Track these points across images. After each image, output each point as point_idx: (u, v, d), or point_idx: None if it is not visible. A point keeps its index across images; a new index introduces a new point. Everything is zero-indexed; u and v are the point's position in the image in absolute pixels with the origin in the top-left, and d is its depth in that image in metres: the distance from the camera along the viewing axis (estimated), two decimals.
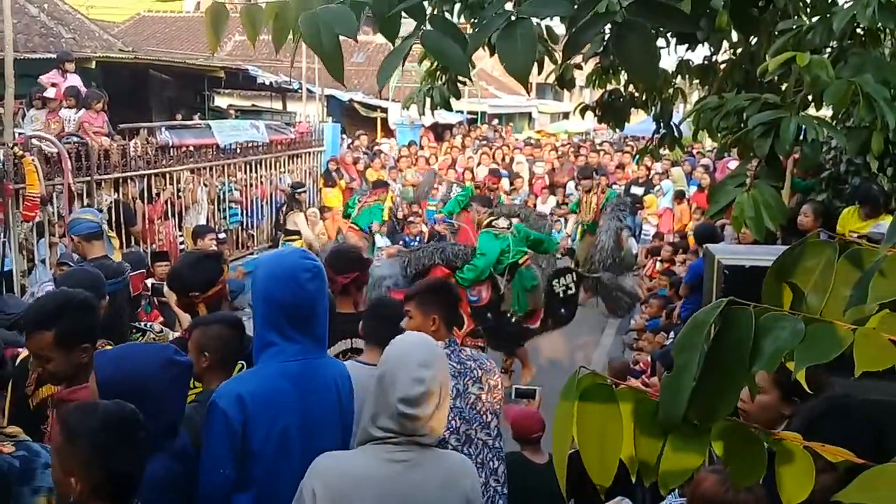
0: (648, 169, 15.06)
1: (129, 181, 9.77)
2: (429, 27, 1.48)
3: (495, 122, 23.81)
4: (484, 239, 7.82)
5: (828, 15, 3.08)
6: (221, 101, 20.22)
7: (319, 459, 2.26)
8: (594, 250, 9.25)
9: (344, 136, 19.13)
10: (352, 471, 2.22)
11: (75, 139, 9.54)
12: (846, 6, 2.98)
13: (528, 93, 13.42)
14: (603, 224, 9.43)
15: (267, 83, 18.37)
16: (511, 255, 7.69)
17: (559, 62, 4.72)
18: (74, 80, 10.96)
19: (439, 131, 21.28)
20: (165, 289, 4.29)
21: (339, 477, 2.21)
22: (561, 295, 8.16)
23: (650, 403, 0.85)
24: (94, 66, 13.85)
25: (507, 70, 1.44)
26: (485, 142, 19.67)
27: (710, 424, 0.81)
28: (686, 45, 4.51)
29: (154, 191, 10.25)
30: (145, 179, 10.06)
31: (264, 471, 2.46)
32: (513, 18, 1.43)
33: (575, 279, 8.30)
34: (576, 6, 1.49)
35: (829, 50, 3.23)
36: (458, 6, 3.83)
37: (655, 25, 1.41)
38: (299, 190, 11.90)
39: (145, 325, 4.31)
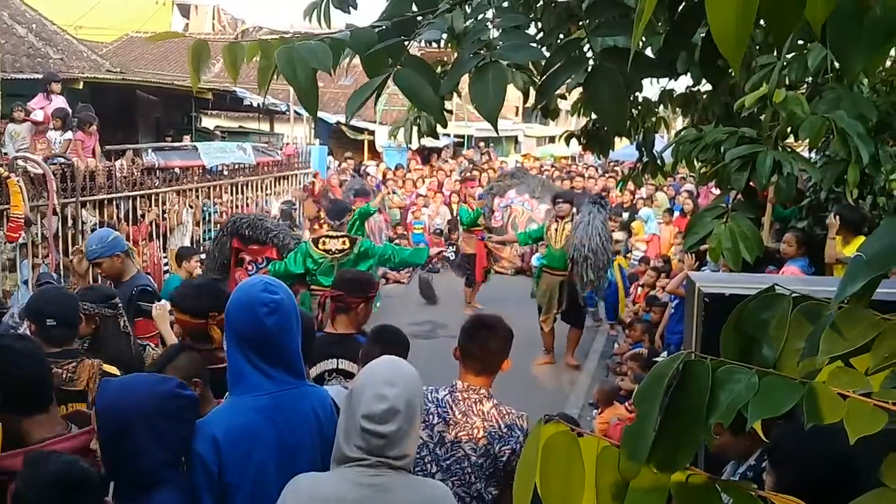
0: (633, 194, 15.17)
1: (114, 202, 9.77)
2: (403, 66, 1.51)
3: (482, 144, 23.94)
4: (298, 250, 7.36)
5: (804, 51, 3.15)
6: (209, 122, 20.26)
7: (297, 479, 2.28)
8: (575, 247, 9.25)
9: (331, 158, 19.19)
10: (324, 492, 2.23)
11: (61, 161, 9.54)
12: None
13: (495, 128, 13.47)
14: (580, 219, 9.44)
15: (254, 105, 18.43)
16: (325, 278, 7.03)
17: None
18: (60, 101, 10.97)
19: (426, 154, 21.38)
20: (155, 311, 4.25)
21: (309, 498, 2.22)
22: None
23: (612, 452, 0.87)
24: (81, 87, 13.87)
25: (478, 112, 1.48)
26: (471, 165, 19.77)
27: (670, 473, 0.83)
28: (667, 77, 4.58)
29: (139, 212, 10.25)
30: (130, 201, 10.06)
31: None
32: (485, 61, 1.47)
33: None
34: (547, 51, 1.53)
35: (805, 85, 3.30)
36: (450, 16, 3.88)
37: (625, 73, 1.45)
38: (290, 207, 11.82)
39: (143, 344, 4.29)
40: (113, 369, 3.42)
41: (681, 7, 1.42)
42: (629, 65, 0.92)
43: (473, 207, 12.43)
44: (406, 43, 1.60)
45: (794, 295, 0.92)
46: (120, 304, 4.08)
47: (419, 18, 1.68)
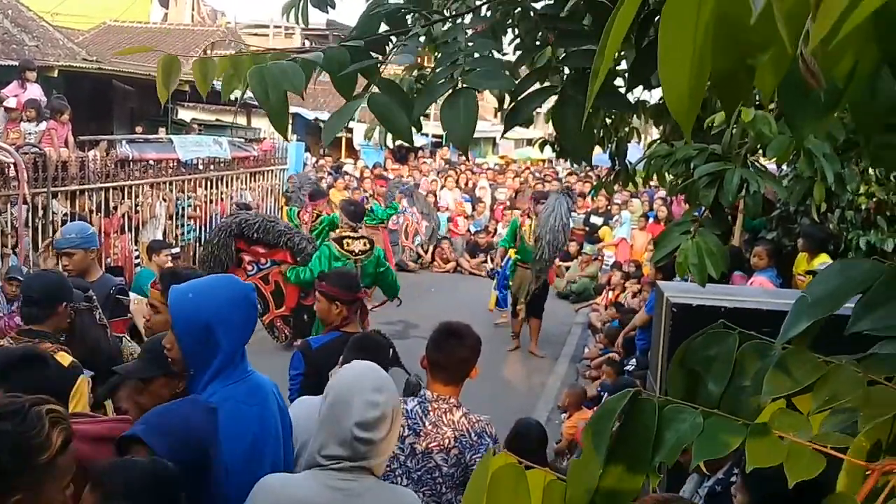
0: (608, 199, 15.27)
1: (86, 193, 9.66)
2: (375, 90, 1.52)
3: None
4: (319, 254, 7.39)
5: None
6: (185, 115, 20.08)
7: (266, 479, 2.28)
8: (539, 228, 10.02)
9: (308, 154, 19.11)
10: (293, 494, 2.23)
11: (34, 150, 9.42)
12: None
13: (466, 156, 13.82)
14: (546, 206, 10.18)
15: (232, 98, 18.24)
16: None
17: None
18: (35, 89, 10.83)
19: (404, 153, 21.37)
20: (134, 305, 4.26)
21: (276, 500, 2.22)
22: None
23: (559, 486, 0.88)
24: (56, 75, 13.70)
25: (448, 137, 1.49)
26: (448, 166, 19.80)
27: None
28: (642, 87, 4.62)
29: (111, 204, 10.14)
30: (103, 192, 9.95)
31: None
32: (458, 87, 1.48)
33: None
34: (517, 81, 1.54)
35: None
36: (422, 39, 3.88)
37: (598, 106, 1.47)
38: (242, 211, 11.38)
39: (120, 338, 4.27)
40: (66, 357, 3.36)
41: (645, 41, 1.44)
42: (592, 97, 0.94)
43: (384, 205, 13.11)
44: (379, 65, 1.61)
45: (739, 331, 0.94)
46: (94, 297, 4.05)
47: (391, 38, 1.69)
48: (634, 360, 8.41)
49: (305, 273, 7.41)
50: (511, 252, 10.60)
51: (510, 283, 10.63)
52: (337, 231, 8.00)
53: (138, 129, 15.61)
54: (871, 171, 5.77)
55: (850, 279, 0.88)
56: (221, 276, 2.84)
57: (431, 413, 3.23)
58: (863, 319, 0.86)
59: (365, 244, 7.40)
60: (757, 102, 3.31)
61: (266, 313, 8.92)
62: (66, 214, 9.25)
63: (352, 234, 7.46)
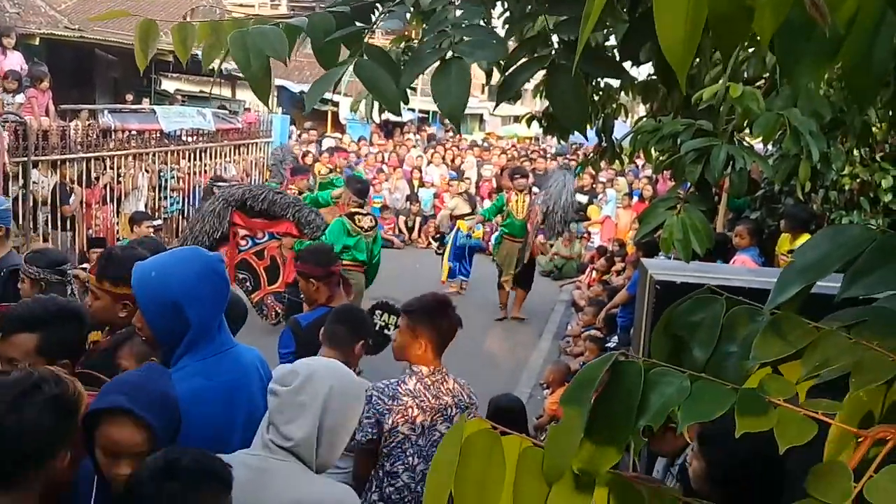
0: (593, 178, 15.27)
1: (66, 163, 9.54)
2: (364, 57, 1.47)
3: (447, 121, 23.84)
4: (333, 228, 7.35)
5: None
6: (169, 85, 19.85)
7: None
8: (547, 201, 10.90)
9: (293, 128, 18.96)
10: None
11: (13, 118, 9.28)
12: None
13: (458, 128, 13.97)
14: (553, 181, 11.17)
15: (215, 68, 18.05)
16: (359, 253, 7.26)
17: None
18: (15, 57, 10.64)
19: (390, 128, 21.25)
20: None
21: None
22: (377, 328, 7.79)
23: (536, 453, 0.86)
24: (37, 43, 13.49)
25: (439, 108, 1.45)
26: (433, 142, 19.71)
27: (594, 476, 0.83)
28: (631, 63, 4.60)
29: (93, 175, 10.03)
30: (85, 162, 9.83)
31: None
32: (447, 57, 1.44)
33: (395, 322, 8.11)
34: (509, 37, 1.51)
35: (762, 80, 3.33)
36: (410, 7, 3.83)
37: (586, 71, 1.44)
38: (218, 184, 10.86)
39: None
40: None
41: (639, 10, 1.41)
42: (576, 62, 0.91)
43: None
44: (365, 31, 1.57)
45: (726, 297, 0.92)
46: (69, 272, 3.97)
47: (377, 5, 1.65)
48: (616, 337, 8.44)
49: (330, 240, 7.31)
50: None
51: (496, 256, 11.12)
52: (346, 207, 7.91)
53: (128, 97, 15.39)
54: (855, 151, 5.78)
55: (841, 245, 0.87)
56: (185, 249, 2.71)
57: (431, 387, 3.30)
58: (854, 285, 0.85)
59: (371, 220, 7.44)
60: (745, 78, 3.30)
61: (256, 290, 8.75)
62: (46, 185, 9.14)
63: (361, 211, 7.47)
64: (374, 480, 3.28)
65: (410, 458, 3.25)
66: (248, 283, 7.26)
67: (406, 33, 4.94)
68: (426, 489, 0.89)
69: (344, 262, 6.99)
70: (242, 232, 8.42)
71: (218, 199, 8.00)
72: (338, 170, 13.97)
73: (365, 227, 7.33)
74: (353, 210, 7.58)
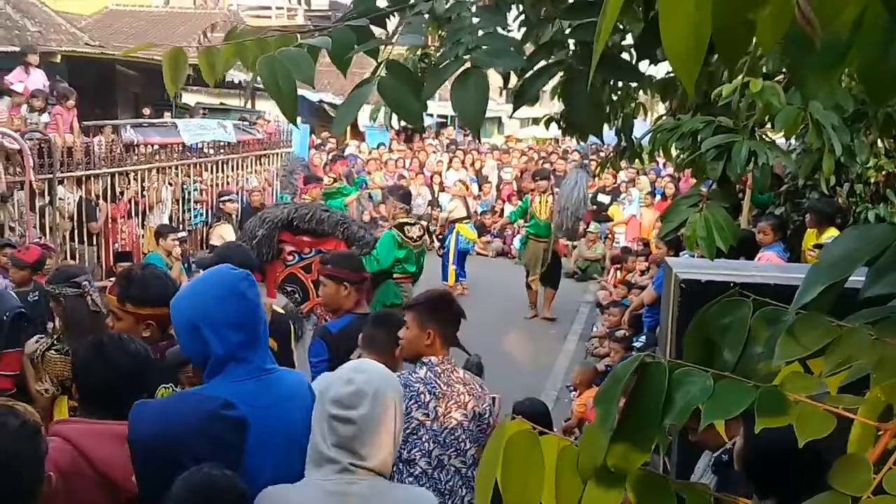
0: (615, 177, 15.22)
1: (92, 179, 9.67)
2: (383, 73, 1.48)
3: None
4: (384, 241, 7.18)
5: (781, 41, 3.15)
6: (189, 98, 20.03)
7: (264, 493, 2.17)
8: (562, 199, 11.01)
9: (313, 137, 19.07)
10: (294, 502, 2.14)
11: (38, 135, 9.43)
12: None
13: (477, 136, 14.16)
14: (568, 179, 11.37)
15: (236, 81, 18.25)
16: (409, 265, 7.12)
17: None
18: (38, 75, 10.82)
19: (409, 134, 21.30)
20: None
21: None
22: None
23: (572, 451, 0.89)
24: (59, 61, 13.69)
25: (459, 118, 1.47)
26: (453, 146, 19.74)
27: (625, 472, 0.85)
28: (648, 62, 4.59)
29: (118, 189, 10.16)
30: (109, 177, 9.96)
31: None
32: (466, 66, 1.46)
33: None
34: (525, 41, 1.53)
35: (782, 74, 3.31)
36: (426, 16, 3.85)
37: (602, 76, 1.45)
38: (225, 198, 11.16)
39: None
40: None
41: (654, 9, 1.41)
42: (593, 69, 0.92)
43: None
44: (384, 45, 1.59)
45: (753, 299, 0.93)
46: (85, 284, 3.99)
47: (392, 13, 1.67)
48: (643, 337, 8.41)
49: (371, 263, 7.17)
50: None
51: (521, 257, 11.64)
52: (394, 218, 7.76)
53: (146, 111, 15.58)
54: (880, 143, 5.72)
55: (866, 243, 0.88)
56: (213, 271, 2.62)
57: (443, 374, 3.39)
58: (877, 283, 0.86)
59: (420, 230, 7.35)
60: (765, 73, 3.28)
61: (305, 300, 8.72)
62: (72, 201, 9.27)
63: (409, 220, 7.38)
64: (393, 470, 3.30)
65: (426, 444, 3.29)
66: (296, 295, 7.27)
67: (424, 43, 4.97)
68: (477, 484, 0.94)
69: (395, 275, 6.98)
70: (289, 248, 8.41)
71: (264, 222, 7.97)
72: (341, 178, 14.17)
73: (414, 237, 7.27)
74: (402, 220, 7.47)
